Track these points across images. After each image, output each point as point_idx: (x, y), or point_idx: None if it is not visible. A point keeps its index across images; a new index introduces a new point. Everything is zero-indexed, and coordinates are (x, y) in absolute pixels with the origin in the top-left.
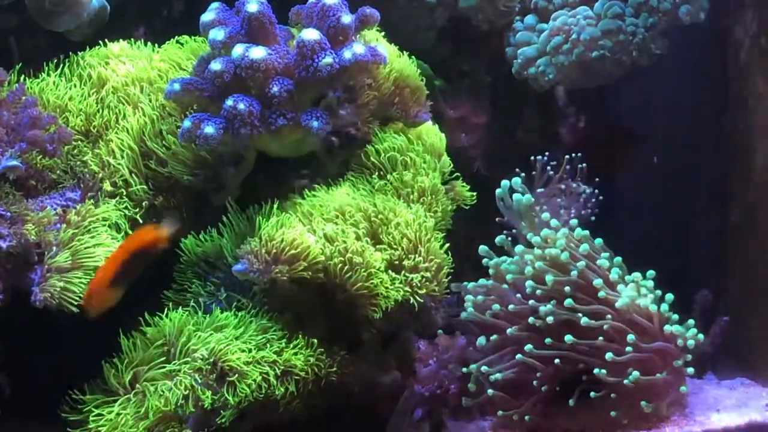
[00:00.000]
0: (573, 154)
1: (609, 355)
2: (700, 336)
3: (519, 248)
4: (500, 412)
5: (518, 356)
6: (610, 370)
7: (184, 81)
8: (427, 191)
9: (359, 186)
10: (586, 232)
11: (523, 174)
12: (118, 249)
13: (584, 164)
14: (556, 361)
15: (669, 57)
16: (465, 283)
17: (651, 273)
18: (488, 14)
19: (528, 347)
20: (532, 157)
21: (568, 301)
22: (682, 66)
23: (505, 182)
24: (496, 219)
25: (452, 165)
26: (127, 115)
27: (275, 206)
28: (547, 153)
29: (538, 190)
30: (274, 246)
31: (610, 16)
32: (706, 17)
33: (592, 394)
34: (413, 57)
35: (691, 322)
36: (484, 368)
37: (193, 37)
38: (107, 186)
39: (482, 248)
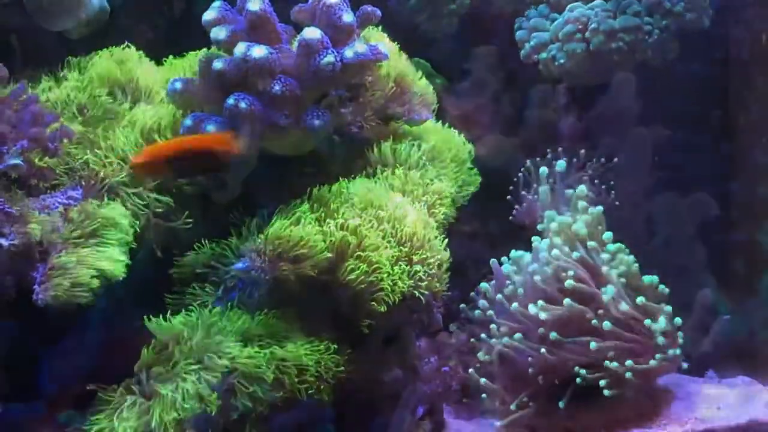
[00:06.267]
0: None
1: (593, 345)
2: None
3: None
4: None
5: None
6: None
7: (186, 80)
8: (431, 189)
9: (369, 182)
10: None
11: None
12: (190, 138)
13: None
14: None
15: None
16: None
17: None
18: None
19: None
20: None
21: (566, 301)
22: (683, 63)
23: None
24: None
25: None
26: (135, 112)
27: (290, 205)
28: (560, 148)
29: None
30: (279, 244)
31: (630, 13)
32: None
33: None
34: (414, 56)
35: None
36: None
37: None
38: (111, 183)
39: (505, 266)
